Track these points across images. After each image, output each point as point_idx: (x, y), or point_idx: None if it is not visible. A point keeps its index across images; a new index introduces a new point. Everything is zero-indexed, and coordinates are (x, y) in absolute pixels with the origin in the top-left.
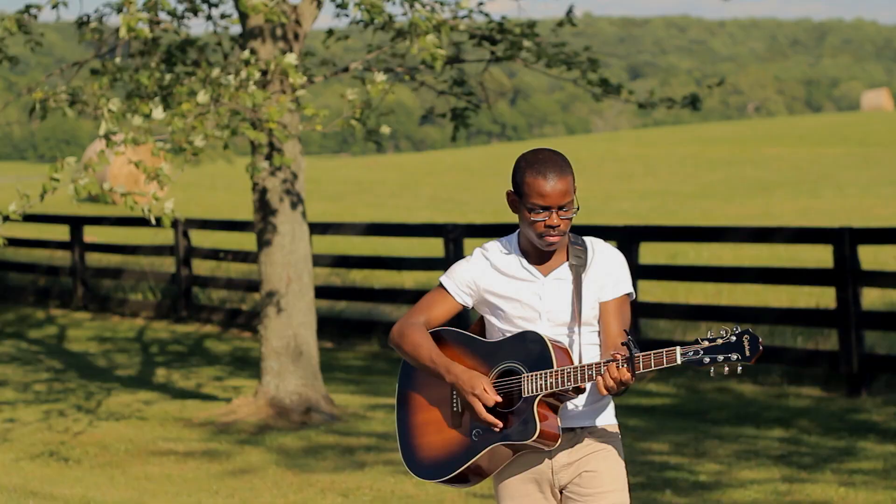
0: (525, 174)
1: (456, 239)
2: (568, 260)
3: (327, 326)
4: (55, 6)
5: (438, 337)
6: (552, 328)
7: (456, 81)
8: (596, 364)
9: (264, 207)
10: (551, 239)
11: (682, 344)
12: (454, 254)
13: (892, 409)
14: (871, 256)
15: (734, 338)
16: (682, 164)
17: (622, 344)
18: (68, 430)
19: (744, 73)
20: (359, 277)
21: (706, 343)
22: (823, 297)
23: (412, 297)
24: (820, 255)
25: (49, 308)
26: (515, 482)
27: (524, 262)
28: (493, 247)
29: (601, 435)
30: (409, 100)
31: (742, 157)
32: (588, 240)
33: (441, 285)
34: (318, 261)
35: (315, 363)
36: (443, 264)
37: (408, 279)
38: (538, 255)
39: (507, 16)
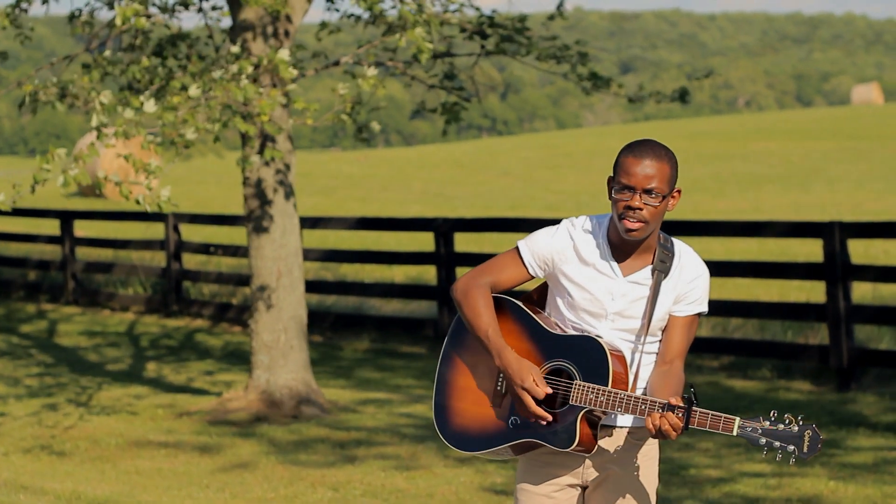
0: (621, 154)
1: (446, 233)
2: (653, 263)
3: (318, 321)
4: (46, 1)
5: (500, 306)
6: (613, 331)
7: (446, 75)
8: (651, 400)
9: (255, 201)
10: (630, 224)
11: (743, 416)
12: (444, 248)
13: (882, 403)
14: (861, 250)
15: (796, 428)
16: None
17: (683, 395)
18: (59, 425)
19: (734, 68)
20: (349, 272)
21: (766, 424)
22: (814, 292)
23: (403, 291)
24: (810, 250)
25: (39, 302)
26: (539, 471)
27: (607, 252)
28: (582, 226)
29: (637, 435)
30: (400, 94)
31: (732, 151)
32: (678, 246)
33: (517, 251)
34: (308, 255)
35: (305, 357)
36: (433, 259)
37: (398, 273)
38: (623, 251)
39: (497, 10)
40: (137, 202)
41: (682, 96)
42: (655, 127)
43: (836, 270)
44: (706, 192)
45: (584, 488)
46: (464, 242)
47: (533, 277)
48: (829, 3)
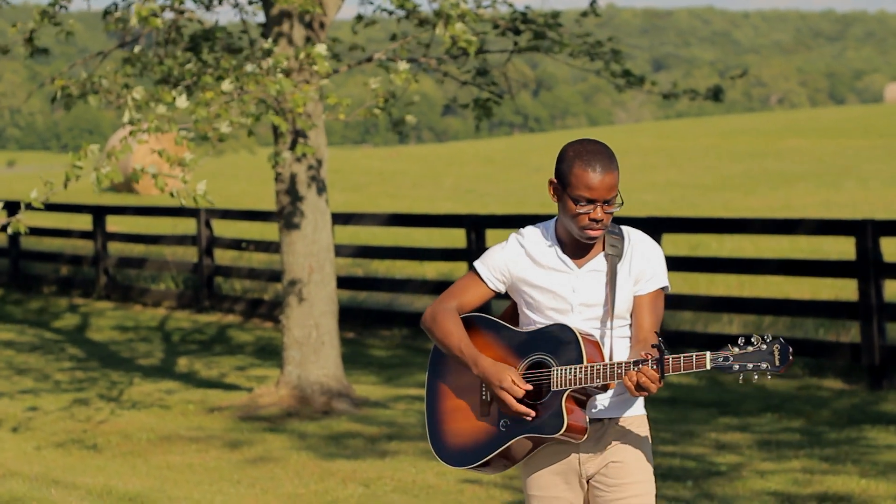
0: (573, 164)
1: (478, 230)
2: (604, 250)
3: (349, 316)
4: None
5: (470, 323)
6: (584, 321)
7: (479, 72)
8: (626, 363)
9: (287, 197)
10: (593, 233)
11: (712, 349)
12: (476, 244)
13: None
14: (893, 248)
15: (764, 346)
16: (705, 155)
17: (653, 345)
18: (90, 419)
19: (767, 65)
20: (381, 268)
21: (736, 350)
22: (845, 290)
23: (434, 287)
24: (842, 248)
25: (72, 297)
26: (542, 472)
27: (559, 251)
28: (530, 233)
29: (629, 425)
30: (432, 90)
31: (764, 149)
32: (625, 229)
33: (474, 270)
34: (340, 251)
35: (337, 353)
36: (465, 255)
37: (430, 270)
38: (575, 246)
39: (530, 6)
40: (172, 195)
41: (716, 94)
42: (688, 124)
43: (869, 268)
44: (738, 189)
45: (587, 480)
46: (495, 239)
47: (495, 293)
48: (862, 0)
